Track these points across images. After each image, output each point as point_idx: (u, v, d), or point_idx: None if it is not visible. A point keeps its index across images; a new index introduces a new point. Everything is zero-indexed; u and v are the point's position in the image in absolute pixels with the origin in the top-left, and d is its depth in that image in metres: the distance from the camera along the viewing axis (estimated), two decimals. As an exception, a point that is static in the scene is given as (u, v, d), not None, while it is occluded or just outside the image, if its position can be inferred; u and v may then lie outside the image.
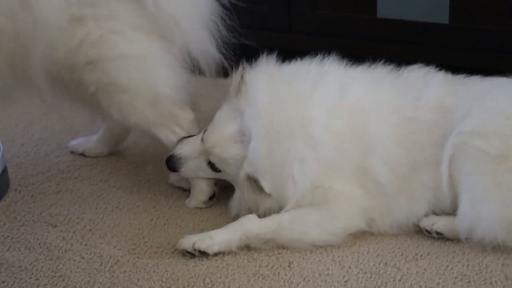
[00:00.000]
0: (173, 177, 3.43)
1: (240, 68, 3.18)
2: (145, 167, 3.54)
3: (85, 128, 3.78)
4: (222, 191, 3.31)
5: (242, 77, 3.14)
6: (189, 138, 3.25)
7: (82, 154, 3.64)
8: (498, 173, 2.91)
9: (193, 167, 3.21)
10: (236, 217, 3.11)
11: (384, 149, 3.04)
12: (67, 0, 3.04)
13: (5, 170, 2.62)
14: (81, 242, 3.10)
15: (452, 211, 3.03)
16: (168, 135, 3.28)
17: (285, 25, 4.17)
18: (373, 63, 3.22)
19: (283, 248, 3.04)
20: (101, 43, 3.11)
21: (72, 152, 3.66)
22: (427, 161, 3.04)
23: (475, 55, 3.91)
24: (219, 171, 3.17)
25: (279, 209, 3.07)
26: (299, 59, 3.22)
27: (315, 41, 4.02)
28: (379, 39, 4.03)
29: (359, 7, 4.05)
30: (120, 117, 3.23)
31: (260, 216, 3.06)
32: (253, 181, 3.03)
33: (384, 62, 3.23)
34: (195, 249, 2.99)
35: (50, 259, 3.01)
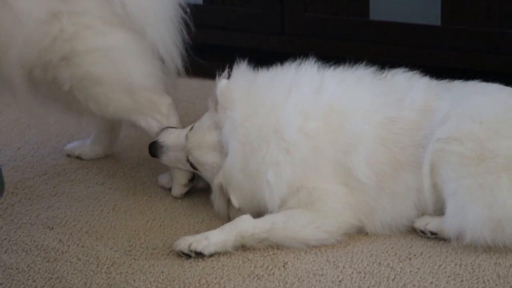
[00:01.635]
0: (162, 179, 3.47)
1: (216, 79, 3.19)
2: (141, 170, 3.56)
3: (80, 131, 3.80)
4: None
5: (216, 92, 3.16)
6: (175, 129, 3.30)
7: (78, 157, 3.66)
8: (478, 175, 2.94)
9: (173, 158, 3.27)
10: (230, 218, 3.14)
11: (365, 148, 3.05)
12: None
13: (-1, 172, 2.63)
14: (78, 244, 3.11)
15: (437, 215, 3.07)
16: (148, 122, 3.34)
17: (278, 28, 4.19)
18: (355, 64, 3.23)
19: (278, 248, 3.06)
20: (74, 39, 3.16)
21: (68, 155, 3.68)
22: (409, 161, 3.06)
23: (466, 57, 3.92)
24: (197, 169, 3.24)
25: (257, 215, 3.10)
26: (290, 61, 3.23)
27: (308, 44, 4.04)
28: (372, 41, 4.05)
29: (351, 9, 4.06)
30: (98, 109, 3.28)
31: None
32: (225, 192, 3.11)
33: (376, 64, 3.25)
34: (191, 250, 3.01)
35: (47, 261, 3.03)
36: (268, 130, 3.07)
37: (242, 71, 3.20)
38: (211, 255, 3.02)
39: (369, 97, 3.13)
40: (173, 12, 3.31)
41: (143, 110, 3.32)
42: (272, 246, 3.07)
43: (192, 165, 3.24)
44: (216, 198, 3.18)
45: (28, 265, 3.01)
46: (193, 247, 3.02)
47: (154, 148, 3.28)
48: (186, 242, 3.03)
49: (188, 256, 3.02)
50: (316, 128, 3.06)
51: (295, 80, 3.16)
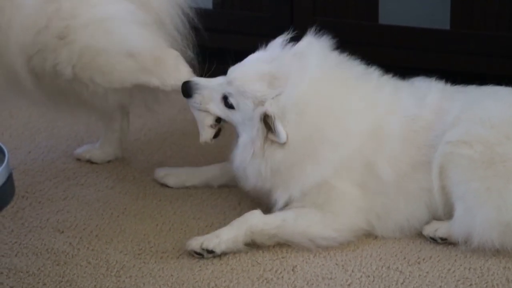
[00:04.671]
0: (158, 172, 3.47)
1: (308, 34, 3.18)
2: (150, 174, 3.56)
3: (90, 135, 3.81)
4: (225, 200, 3.35)
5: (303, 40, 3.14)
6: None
7: (89, 161, 3.67)
8: (487, 178, 2.94)
9: (206, 96, 3.16)
10: (239, 214, 3.13)
11: (390, 147, 3.07)
12: None
13: (10, 176, 2.63)
14: (88, 248, 3.13)
15: (446, 219, 3.07)
16: (159, 78, 3.26)
17: (287, 32, 4.19)
18: (382, 70, 3.25)
19: (287, 251, 3.06)
20: (70, 15, 3.14)
21: (78, 159, 3.69)
22: (422, 161, 3.07)
23: (476, 61, 3.92)
24: (232, 107, 3.12)
25: (278, 177, 3.05)
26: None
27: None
28: (381, 45, 4.05)
29: (361, 13, 4.06)
30: (105, 80, 3.23)
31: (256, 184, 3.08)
32: (268, 125, 2.99)
33: (385, 68, 3.26)
34: (203, 249, 3.03)
35: (57, 264, 3.04)
36: (337, 105, 3.04)
37: (328, 43, 3.18)
38: (221, 258, 3.02)
39: (404, 100, 3.14)
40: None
41: (150, 68, 3.24)
42: (281, 249, 3.08)
43: (227, 102, 3.12)
44: (253, 135, 3.03)
45: (39, 268, 3.02)
46: (204, 246, 3.03)
47: (188, 86, 3.17)
48: (198, 242, 3.04)
49: (200, 255, 3.03)
50: (369, 128, 3.06)
51: (364, 73, 3.17)
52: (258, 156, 3.05)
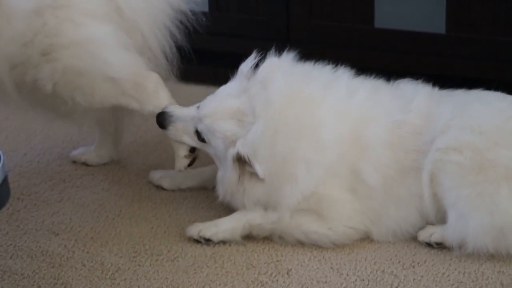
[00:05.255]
0: (153, 175, 3.48)
1: (255, 54, 3.18)
2: (146, 176, 3.56)
3: (86, 137, 3.81)
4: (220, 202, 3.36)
5: (258, 62, 3.14)
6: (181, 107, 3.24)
7: (85, 163, 3.67)
8: (478, 184, 2.95)
9: (180, 129, 3.20)
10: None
11: (375, 152, 3.07)
12: None
13: (5, 179, 2.63)
14: (83, 250, 3.13)
15: (439, 224, 3.08)
16: (138, 102, 3.28)
17: (283, 35, 4.20)
18: (371, 74, 3.26)
19: (282, 255, 3.07)
20: (54, 33, 3.14)
21: (74, 162, 3.69)
22: (411, 166, 3.07)
23: (471, 65, 3.92)
24: (204, 141, 3.17)
25: (263, 205, 3.09)
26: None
27: (313, 51, 4.04)
28: (376, 49, 4.06)
29: (356, 17, 4.07)
30: (85, 100, 3.24)
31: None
32: (243, 163, 3.03)
33: (381, 72, 3.27)
34: (200, 237, 3.09)
35: (52, 267, 3.04)
36: (305, 121, 3.05)
37: (286, 56, 3.18)
38: (218, 258, 3.04)
39: (383, 103, 3.14)
40: (167, 15, 3.30)
41: (130, 92, 3.27)
42: (276, 252, 3.09)
43: (199, 136, 3.17)
44: (227, 173, 3.09)
45: (33, 270, 3.02)
46: (202, 234, 3.10)
47: (163, 118, 3.21)
48: (197, 229, 3.12)
49: (198, 242, 3.10)
50: (345, 132, 3.07)
51: (332, 80, 3.16)
52: (239, 192, 3.10)
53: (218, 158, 3.15)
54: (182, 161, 3.31)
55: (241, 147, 3.02)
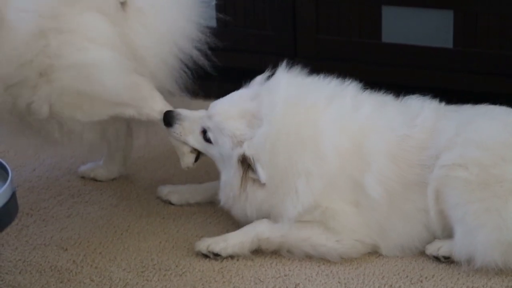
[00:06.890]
0: (161, 191, 3.49)
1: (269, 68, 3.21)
2: (154, 191, 3.57)
3: (94, 153, 3.82)
4: (228, 217, 3.36)
5: (271, 74, 3.18)
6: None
7: (93, 179, 3.69)
8: (485, 200, 2.95)
9: (187, 128, 3.22)
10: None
11: (378, 165, 3.07)
12: (41, 14, 3.11)
13: (13, 194, 2.66)
14: (91, 265, 3.14)
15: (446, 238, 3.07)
16: (136, 110, 3.30)
17: (291, 50, 4.21)
18: (378, 89, 3.27)
19: (290, 270, 3.07)
20: (55, 54, 3.16)
21: (83, 177, 3.71)
22: (416, 180, 3.07)
23: (478, 79, 3.93)
24: (210, 141, 3.18)
25: (264, 213, 3.10)
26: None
27: (320, 66, 4.05)
28: (383, 64, 4.06)
29: (364, 31, 4.08)
30: (85, 116, 3.26)
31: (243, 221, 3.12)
32: (247, 166, 3.05)
33: (388, 86, 3.27)
34: (209, 251, 3.09)
35: (61, 282, 3.05)
36: (306, 132, 3.06)
37: (297, 71, 3.21)
38: (226, 272, 3.04)
39: (388, 117, 3.15)
40: (178, 51, 3.34)
41: (127, 102, 3.29)
42: (284, 267, 3.09)
43: (205, 136, 3.18)
44: (229, 175, 3.10)
45: (42, 286, 3.03)
46: (211, 248, 3.10)
47: (170, 116, 3.22)
48: (205, 244, 3.12)
49: (206, 256, 3.10)
50: (347, 145, 3.07)
51: (336, 93, 3.17)
52: (241, 198, 3.11)
53: (222, 159, 3.16)
54: (188, 157, 3.30)
55: (248, 149, 3.04)
